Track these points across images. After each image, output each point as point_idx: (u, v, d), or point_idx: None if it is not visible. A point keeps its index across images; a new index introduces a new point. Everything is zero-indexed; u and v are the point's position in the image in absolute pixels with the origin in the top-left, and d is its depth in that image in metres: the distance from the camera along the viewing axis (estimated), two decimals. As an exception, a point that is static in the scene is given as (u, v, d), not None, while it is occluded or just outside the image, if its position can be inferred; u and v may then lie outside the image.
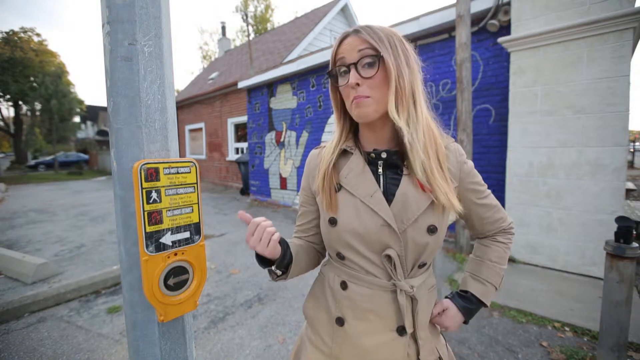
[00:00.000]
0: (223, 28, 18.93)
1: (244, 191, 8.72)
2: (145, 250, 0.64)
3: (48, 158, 23.72)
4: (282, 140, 7.03)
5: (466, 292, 0.81)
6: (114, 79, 0.65)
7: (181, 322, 0.72)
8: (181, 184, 0.66)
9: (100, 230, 5.35)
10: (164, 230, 0.65)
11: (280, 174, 7.15)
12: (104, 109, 29.19)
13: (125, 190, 0.66)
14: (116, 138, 0.67)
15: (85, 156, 25.57)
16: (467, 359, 1.95)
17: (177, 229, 0.66)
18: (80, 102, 24.52)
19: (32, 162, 23.49)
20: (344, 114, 0.75)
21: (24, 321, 2.49)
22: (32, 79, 21.89)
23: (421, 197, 0.67)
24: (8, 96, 22.45)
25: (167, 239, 0.66)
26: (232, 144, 10.24)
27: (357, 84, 0.65)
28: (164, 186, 0.65)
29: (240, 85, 7.96)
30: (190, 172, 0.67)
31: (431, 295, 0.76)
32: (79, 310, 2.69)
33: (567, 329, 2.23)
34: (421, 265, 0.71)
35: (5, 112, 30.31)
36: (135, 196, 0.64)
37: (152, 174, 0.64)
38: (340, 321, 0.73)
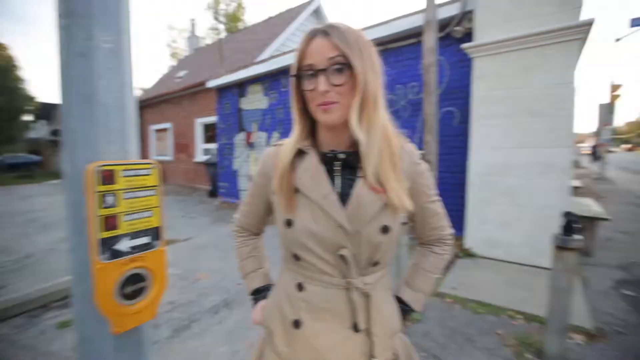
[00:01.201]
0: (193, 25, 18.33)
1: (213, 193, 8.50)
2: (99, 258, 0.62)
3: (-7, 160, 21.65)
4: (252, 141, 6.90)
5: (399, 298, 0.85)
6: (68, 76, 0.63)
7: (139, 333, 0.69)
8: (141, 187, 0.64)
9: (52, 239, 4.89)
10: (120, 236, 0.63)
11: (250, 176, 7.04)
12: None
13: (79, 194, 0.64)
14: (69, 138, 0.65)
15: (37, 157, 22.79)
16: (430, 351, 2.05)
17: (135, 234, 0.64)
18: (31, 98, 22.29)
19: (-27, 165, 21.33)
20: (303, 113, 0.75)
21: None
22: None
23: (374, 198, 0.69)
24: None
25: (123, 245, 0.64)
26: (200, 145, 9.95)
27: (327, 91, 0.65)
28: (121, 189, 0.63)
29: (210, 84, 7.73)
30: (150, 174, 0.65)
31: (387, 296, 0.79)
32: (25, 326, 2.46)
33: (519, 316, 2.40)
34: (375, 264, 0.73)
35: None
36: (88, 200, 0.62)
37: (108, 177, 0.62)
38: (296, 324, 0.73)
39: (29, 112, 22.21)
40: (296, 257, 0.74)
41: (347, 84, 0.65)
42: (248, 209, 0.91)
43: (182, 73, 13.02)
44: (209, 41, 22.70)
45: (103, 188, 0.62)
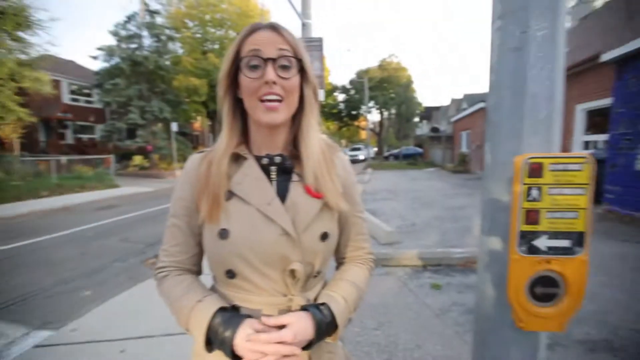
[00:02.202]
0: None
1: (593, 197, 6.53)
2: (517, 249, 0.61)
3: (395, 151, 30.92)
4: None
5: (322, 304, 0.66)
6: (500, 73, 0.63)
7: (537, 339, 0.66)
8: (568, 184, 0.60)
9: (429, 214, 6.16)
10: (539, 232, 0.60)
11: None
12: (437, 108, 34.70)
13: (497, 183, 0.65)
14: (493, 132, 0.66)
15: (420, 150, 29.59)
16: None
17: (555, 235, 0.60)
18: (420, 104, 34.96)
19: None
20: (236, 111, 0.69)
21: (377, 270, 3.23)
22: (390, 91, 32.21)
23: (312, 203, 0.66)
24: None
25: (541, 243, 0.60)
26: (579, 137, 7.70)
27: (274, 82, 0.61)
28: (547, 184, 0.60)
29: (605, 57, 5.99)
30: (582, 171, 0.59)
31: None
32: (412, 276, 3.28)
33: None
34: (315, 275, 0.68)
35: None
36: (515, 192, 0.60)
37: (535, 170, 0.60)
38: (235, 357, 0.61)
39: (417, 115, 33.98)
40: (230, 274, 0.64)
41: (294, 82, 0.64)
42: (175, 238, 0.70)
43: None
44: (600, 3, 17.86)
45: (529, 181, 0.60)
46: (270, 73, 0.60)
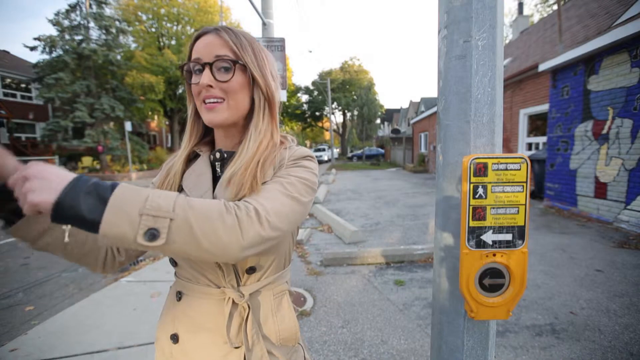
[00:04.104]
0: (520, 5, 16.14)
1: (536, 194, 6.97)
2: (467, 244, 0.65)
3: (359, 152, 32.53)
4: (604, 132, 5.11)
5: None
6: (447, 78, 0.67)
7: (487, 327, 0.71)
8: (509, 182, 0.65)
9: (392, 213, 6.41)
10: (486, 227, 0.65)
11: (596, 178, 5.30)
12: (397, 111, 37.16)
13: (449, 182, 0.69)
14: (444, 133, 0.69)
15: (382, 150, 31.51)
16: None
17: (499, 229, 0.65)
18: (381, 107, 37.57)
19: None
20: (197, 113, 0.71)
21: (343, 269, 3.50)
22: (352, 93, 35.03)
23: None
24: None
25: (488, 237, 0.65)
26: (523, 139, 8.30)
27: (210, 86, 0.63)
28: (491, 182, 0.65)
29: (543, 67, 6.27)
30: (520, 170, 0.65)
31: (278, 306, 0.69)
32: (376, 274, 3.39)
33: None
34: (249, 271, 0.65)
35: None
36: (463, 190, 0.65)
37: (481, 169, 0.65)
38: (174, 338, 0.67)
39: (378, 117, 37.09)
40: (173, 262, 0.69)
41: (235, 83, 0.64)
42: None
43: (505, 61, 10.25)
44: (537, 19, 20.16)
45: (475, 180, 0.64)
46: (205, 77, 0.62)
